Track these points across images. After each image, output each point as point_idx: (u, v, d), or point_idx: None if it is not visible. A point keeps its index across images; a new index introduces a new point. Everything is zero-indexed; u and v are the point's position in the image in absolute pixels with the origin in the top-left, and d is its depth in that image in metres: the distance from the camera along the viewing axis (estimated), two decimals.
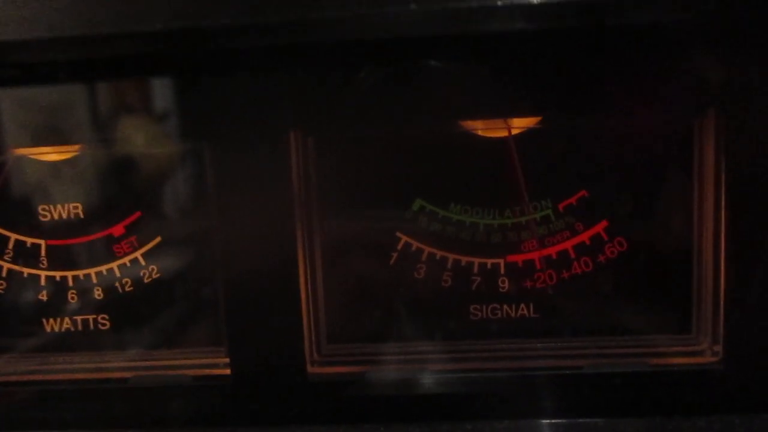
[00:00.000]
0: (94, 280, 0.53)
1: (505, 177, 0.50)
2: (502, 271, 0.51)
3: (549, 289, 0.51)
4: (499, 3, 0.39)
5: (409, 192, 0.51)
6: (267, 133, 0.48)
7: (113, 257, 0.53)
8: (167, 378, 0.52)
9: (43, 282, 0.53)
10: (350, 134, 0.49)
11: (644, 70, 0.46)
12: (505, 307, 0.51)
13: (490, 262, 0.51)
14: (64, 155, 0.51)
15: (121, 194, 0.52)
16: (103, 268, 0.53)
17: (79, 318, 0.54)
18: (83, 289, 0.53)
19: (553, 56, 0.46)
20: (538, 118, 0.48)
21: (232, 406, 0.51)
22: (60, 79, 0.48)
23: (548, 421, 0.49)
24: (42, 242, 0.53)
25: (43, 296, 0.53)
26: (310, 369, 0.50)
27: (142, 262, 0.53)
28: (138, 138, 0.50)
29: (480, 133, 0.49)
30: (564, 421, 0.49)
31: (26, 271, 0.53)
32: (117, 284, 0.53)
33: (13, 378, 0.53)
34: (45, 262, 0.53)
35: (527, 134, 0.49)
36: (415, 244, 0.51)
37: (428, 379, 0.50)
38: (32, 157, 0.51)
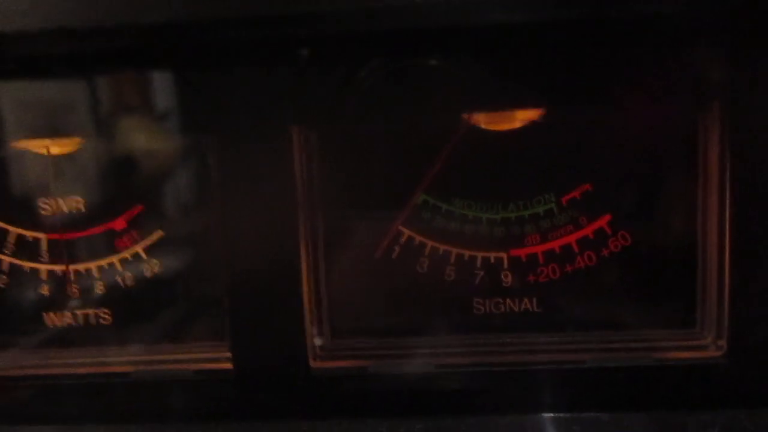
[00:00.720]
0: (96, 275, 0.53)
1: (509, 171, 0.49)
2: (506, 265, 0.51)
3: (552, 283, 0.50)
4: None
5: (412, 186, 0.50)
6: (269, 127, 0.47)
7: (115, 251, 0.52)
8: (169, 372, 0.51)
9: (44, 276, 0.53)
10: (353, 128, 0.49)
11: (648, 64, 0.46)
12: (508, 301, 0.51)
13: (493, 256, 0.51)
14: (66, 149, 0.51)
15: (123, 188, 0.52)
16: (105, 263, 0.53)
17: (80, 312, 0.53)
18: (85, 283, 0.53)
19: (556, 49, 0.46)
20: (542, 112, 0.48)
21: (234, 400, 0.51)
22: (60, 73, 0.48)
23: (551, 415, 0.49)
24: (43, 236, 0.52)
25: (45, 291, 0.53)
26: (312, 363, 0.50)
27: (144, 257, 0.52)
28: (140, 132, 0.50)
29: (483, 126, 0.49)
30: (567, 415, 0.49)
31: (27, 265, 0.53)
32: (119, 278, 0.53)
33: (15, 373, 0.53)
34: (46, 256, 0.53)
35: (530, 127, 0.49)
36: (418, 238, 0.51)
37: (431, 374, 0.50)
38: (33, 150, 0.51)
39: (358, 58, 0.46)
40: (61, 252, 0.53)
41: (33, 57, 0.47)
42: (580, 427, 0.48)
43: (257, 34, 0.45)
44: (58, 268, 0.53)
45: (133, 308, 0.53)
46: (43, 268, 0.53)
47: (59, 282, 0.53)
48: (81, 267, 0.53)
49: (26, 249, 0.53)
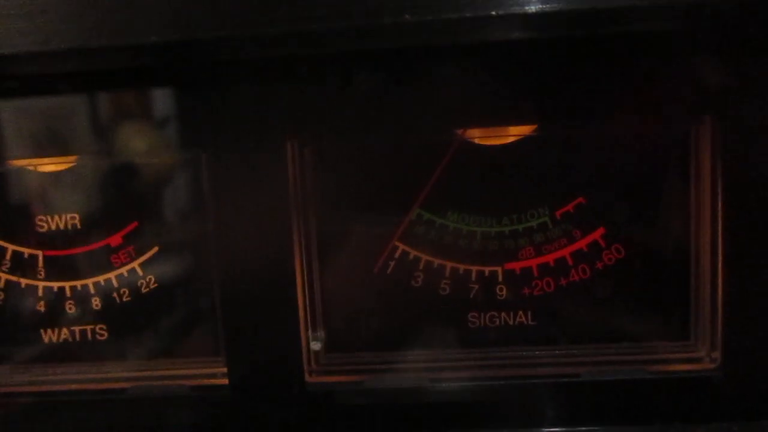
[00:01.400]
0: (92, 291, 0.53)
1: (502, 185, 0.50)
2: (500, 278, 0.51)
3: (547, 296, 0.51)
4: (494, 13, 0.39)
5: (407, 200, 0.51)
6: (264, 142, 0.48)
7: (111, 267, 0.53)
8: (165, 388, 0.52)
9: (40, 293, 0.53)
10: (347, 143, 0.49)
11: (641, 78, 0.46)
12: (503, 314, 0.51)
13: (487, 269, 0.51)
14: (62, 166, 0.51)
15: (119, 204, 0.52)
16: (101, 278, 0.53)
17: (77, 328, 0.53)
18: (81, 299, 0.53)
19: (549, 64, 0.46)
20: (535, 126, 0.48)
21: (230, 416, 0.51)
22: (57, 91, 0.48)
23: (547, 429, 0.49)
24: (39, 253, 0.53)
25: (41, 307, 0.53)
26: (308, 378, 0.50)
27: (140, 272, 0.52)
28: (135, 148, 0.50)
29: (477, 141, 0.49)
30: (562, 429, 0.49)
31: (24, 281, 0.53)
32: (115, 294, 0.53)
33: (12, 388, 0.53)
34: (42, 272, 0.53)
35: (524, 142, 0.49)
36: (413, 253, 0.51)
37: (426, 388, 0.50)
38: (29, 167, 0.51)
39: (351, 74, 0.47)
40: (57, 268, 0.53)
41: (28, 75, 0.47)
42: None
43: (251, 52, 0.45)
44: (54, 284, 0.53)
45: (130, 324, 0.53)
46: (39, 284, 0.53)
47: (56, 298, 0.53)
48: (77, 283, 0.53)
49: (23, 265, 0.53)
